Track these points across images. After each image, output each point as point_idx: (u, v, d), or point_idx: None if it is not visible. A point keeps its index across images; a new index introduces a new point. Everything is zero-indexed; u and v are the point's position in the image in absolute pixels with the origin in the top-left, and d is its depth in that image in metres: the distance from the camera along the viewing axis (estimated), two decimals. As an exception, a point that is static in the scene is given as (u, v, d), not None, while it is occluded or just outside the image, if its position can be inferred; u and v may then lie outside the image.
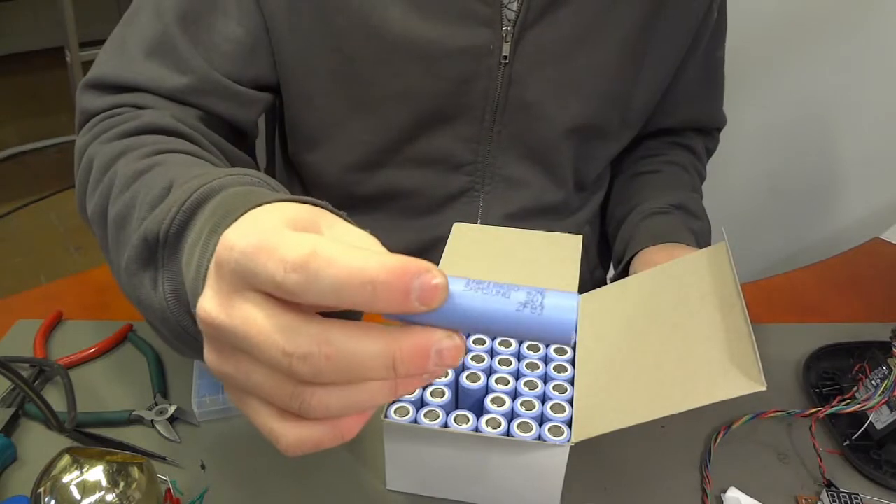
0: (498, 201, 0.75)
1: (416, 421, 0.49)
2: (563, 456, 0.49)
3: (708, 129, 0.91)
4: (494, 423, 0.49)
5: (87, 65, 1.85)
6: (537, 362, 0.55)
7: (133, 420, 0.59)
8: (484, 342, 0.56)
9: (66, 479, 0.46)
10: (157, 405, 0.61)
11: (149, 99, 0.61)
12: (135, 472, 0.48)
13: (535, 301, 0.27)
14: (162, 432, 0.59)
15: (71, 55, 1.80)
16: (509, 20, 0.66)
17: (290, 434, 0.29)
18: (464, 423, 0.50)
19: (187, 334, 0.41)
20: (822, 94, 1.19)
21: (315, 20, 0.64)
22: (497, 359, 0.55)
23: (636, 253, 0.74)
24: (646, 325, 0.55)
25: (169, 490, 0.53)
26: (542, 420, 0.50)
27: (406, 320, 0.28)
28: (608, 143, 0.80)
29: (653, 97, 0.79)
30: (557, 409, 0.51)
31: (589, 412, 0.50)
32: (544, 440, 0.48)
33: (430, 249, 0.75)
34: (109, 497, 0.46)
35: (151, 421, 0.59)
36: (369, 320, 0.29)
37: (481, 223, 0.76)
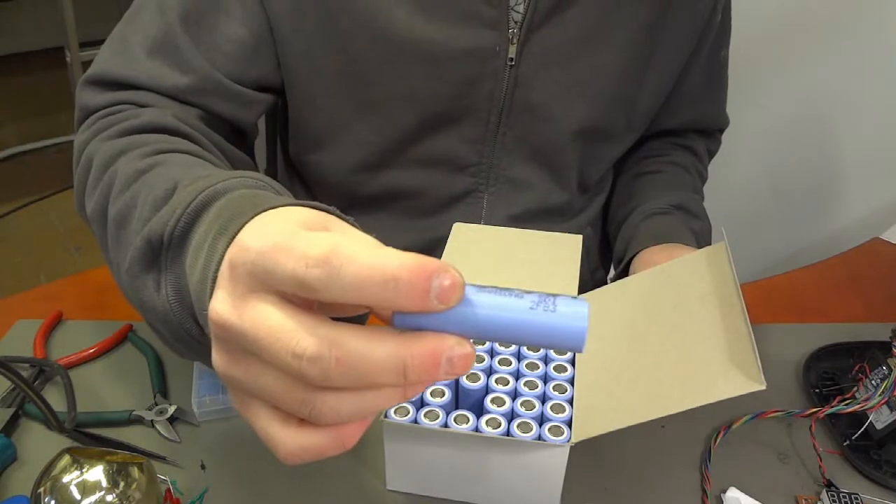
0: (502, 203, 0.75)
1: (416, 421, 0.49)
2: (563, 456, 0.49)
3: (710, 131, 0.91)
4: (494, 423, 0.49)
5: (87, 65, 1.84)
6: (537, 362, 0.55)
7: (133, 420, 0.59)
8: (484, 342, 0.56)
9: (66, 479, 0.46)
10: (157, 405, 0.61)
11: (149, 97, 0.61)
12: (135, 472, 0.48)
13: (547, 302, 0.28)
14: (162, 432, 0.59)
15: (71, 55, 1.80)
16: (515, 22, 0.66)
17: (292, 441, 0.29)
18: (464, 423, 0.50)
19: (189, 336, 0.41)
20: (822, 94, 1.19)
21: (320, 21, 0.64)
22: (497, 359, 0.55)
23: (636, 253, 0.74)
24: (645, 325, 0.55)
25: (169, 490, 0.53)
26: (542, 420, 0.50)
27: (418, 326, 0.28)
28: (613, 145, 0.80)
29: (658, 99, 0.79)
30: (557, 409, 0.51)
31: (589, 412, 0.50)
32: (544, 440, 0.48)
33: (433, 250, 0.75)
34: (109, 497, 0.46)
35: (151, 421, 0.59)
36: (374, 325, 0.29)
37: (485, 224, 0.76)
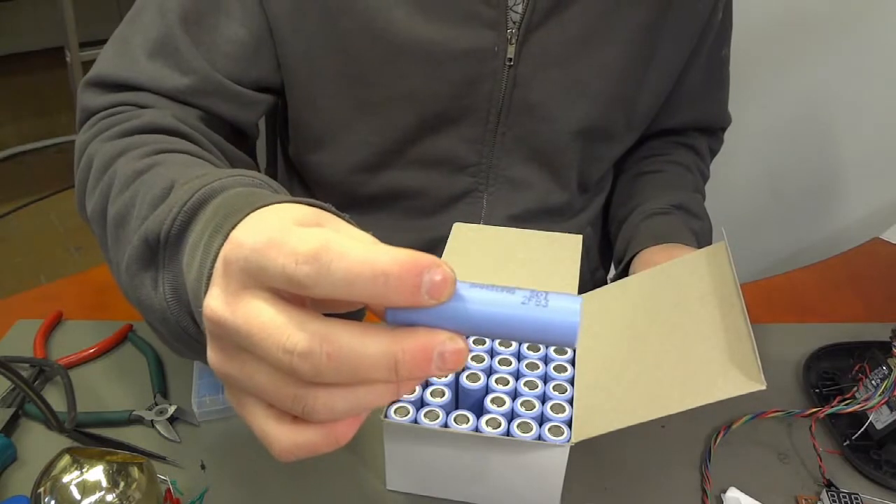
0: (501, 203, 0.75)
1: (416, 421, 0.49)
2: (563, 456, 0.49)
3: (712, 130, 0.91)
4: (494, 423, 0.49)
5: (87, 65, 1.85)
6: (537, 362, 0.55)
7: (133, 420, 0.59)
8: (484, 342, 0.56)
9: (66, 479, 0.46)
10: (157, 405, 0.61)
11: (150, 98, 0.61)
12: (135, 472, 0.48)
13: (539, 298, 0.28)
14: (162, 432, 0.59)
15: (71, 55, 1.80)
16: (514, 22, 0.66)
17: (286, 438, 0.29)
18: (464, 423, 0.50)
19: (187, 335, 0.41)
20: (822, 94, 1.19)
21: (320, 22, 0.64)
22: (497, 359, 0.55)
23: (636, 253, 0.74)
24: (645, 325, 0.55)
25: (169, 490, 0.53)
26: (542, 420, 0.50)
27: (410, 322, 0.28)
28: (613, 144, 0.80)
29: (658, 99, 0.79)
30: (557, 409, 0.51)
31: (589, 412, 0.50)
32: (544, 440, 0.48)
33: (433, 250, 0.75)
34: (109, 497, 0.46)
35: (151, 421, 0.59)
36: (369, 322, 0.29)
37: (484, 224, 0.76)
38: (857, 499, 0.54)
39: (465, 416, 0.50)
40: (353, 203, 0.76)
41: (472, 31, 0.65)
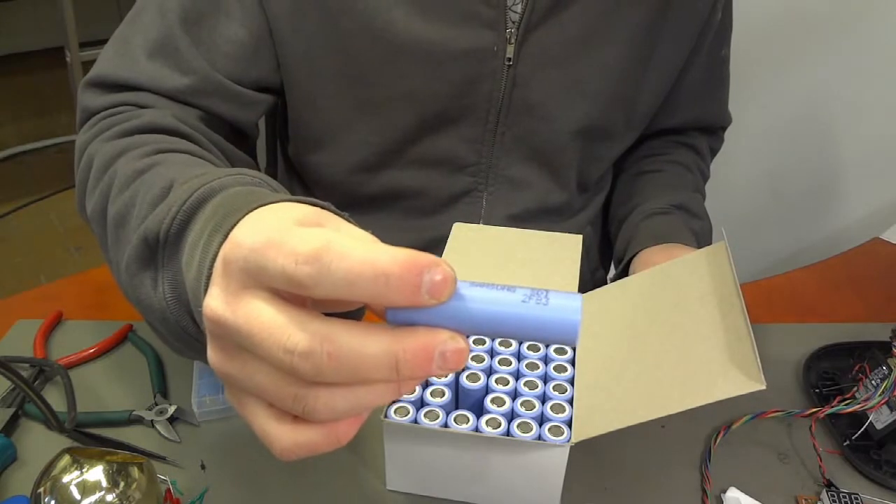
0: (501, 202, 0.75)
1: (416, 421, 0.49)
2: (563, 456, 0.49)
3: (712, 129, 0.91)
4: (494, 423, 0.49)
5: (87, 65, 1.85)
6: (537, 362, 0.55)
7: (133, 420, 0.59)
8: (484, 342, 0.56)
9: (66, 479, 0.46)
10: (157, 405, 0.61)
11: (150, 98, 0.61)
12: (135, 472, 0.48)
13: (539, 296, 0.28)
14: (162, 432, 0.59)
15: (71, 55, 1.80)
16: (513, 22, 0.66)
17: (286, 438, 0.29)
18: (464, 423, 0.50)
19: (187, 335, 0.41)
20: (822, 94, 1.19)
21: (319, 22, 0.64)
22: (497, 359, 0.55)
23: (636, 253, 0.74)
24: (645, 325, 0.55)
25: (169, 490, 0.53)
26: (542, 420, 0.50)
27: (411, 322, 0.28)
28: (612, 144, 0.80)
29: (657, 98, 0.79)
30: (557, 409, 0.51)
31: (589, 412, 0.50)
32: (544, 440, 0.48)
33: (433, 250, 0.74)
34: (109, 497, 0.46)
35: (151, 421, 0.59)
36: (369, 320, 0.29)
37: (484, 224, 0.76)
38: (857, 499, 0.54)
39: (465, 416, 0.50)
40: (352, 203, 0.76)
41: (472, 31, 0.65)
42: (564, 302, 0.27)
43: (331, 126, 0.72)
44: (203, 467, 0.56)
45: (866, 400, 0.56)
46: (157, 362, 0.65)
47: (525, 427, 0.49)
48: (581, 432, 0.48)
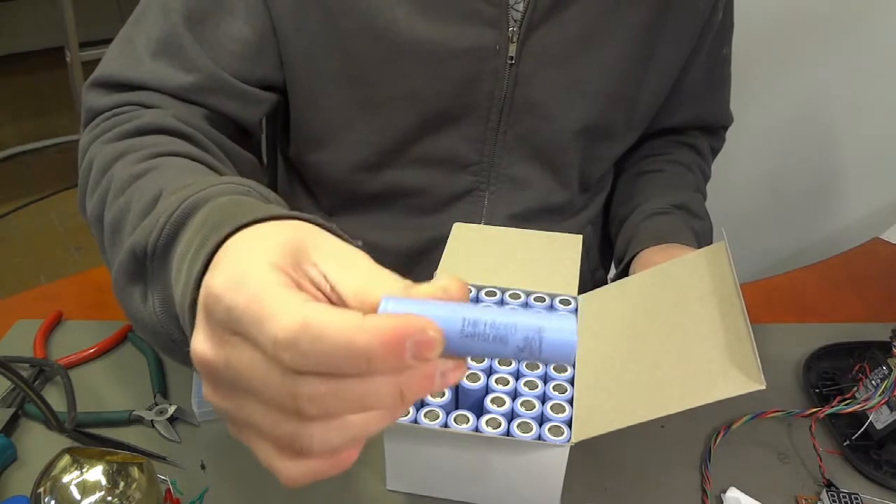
0: (502, 201, 0.75)
1: (416, 421, 0.49)
2: (563, 456, 0.49)
3: (713, 128, 0.91)
4: (494, 423, 0.49)
5: (86, 65, 1.85)
6: (537, 362, 0.55)
7: (133, 420, 0.59)
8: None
9: (66, 479, 0.46)
10: (157, 405, 0.61)
11: (154, 97, 0.61)
12: (135, 472, 0.48)
13: (532, 344, 0.27)
14: (162, 432, 0.59)
15: (71, 55, 1.81)
16: (515, 21, 0.65)
17: (291, 469, 0.29)
18: (464, 423, 0.50)
19: (178, 346, 0.41)
20: (822, 94, 1.19)
21: (321, 21, 0.64)
22: (497, 359, 0.55)
23: (637, 253, 0.74)
24: (645, 325, 0.55)
25: (169, 490, 0.53)
26: (542, 420, 0.50)
27: None
28: (613, 143, 0.80)
29: (658, 98, 0.79)
30: (557, 409, 0.51)
31: (589, 412, 0.50)
32: (544, 440, 0.48)
33: (433, 249, 0.75)
34: (109, 497, 0.46)
35: (151, 421, 0.59)
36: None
37: (485, 223, 0.76)
38: (857, 499, 0.54)
39: (465, 416, 0.50)
40: (353, 202, 0.76)
41: (473, 30, 0.65)
42: (558, 347, 0.27)
43: (332, 125, 0.72)
44: (203, 467, 0.56)
45: (866, 400, 0.56)
46: (157, 362, 0.65)
47: (525, 427, 0.49)
48: (581, 432, 0.48)
